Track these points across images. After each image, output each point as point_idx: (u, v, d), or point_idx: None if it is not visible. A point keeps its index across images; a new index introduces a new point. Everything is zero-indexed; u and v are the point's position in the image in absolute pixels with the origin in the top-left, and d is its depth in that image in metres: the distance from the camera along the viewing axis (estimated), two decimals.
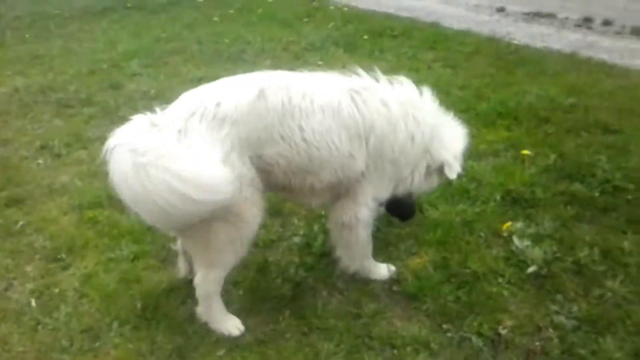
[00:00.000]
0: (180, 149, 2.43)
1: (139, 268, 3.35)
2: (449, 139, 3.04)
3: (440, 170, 3.03)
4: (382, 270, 3.20)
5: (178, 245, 3.19)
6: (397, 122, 2.82)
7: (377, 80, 2.91)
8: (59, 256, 3.48)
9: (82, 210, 3.92)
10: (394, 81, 2.93)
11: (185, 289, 3.12)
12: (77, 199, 4.05)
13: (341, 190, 2.90)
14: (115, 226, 3.71)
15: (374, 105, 2.78)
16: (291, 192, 2.91)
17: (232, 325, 2.88)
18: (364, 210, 2.92)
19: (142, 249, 3.49)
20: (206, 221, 2.54)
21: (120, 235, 3.63)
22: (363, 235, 3.01)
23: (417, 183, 3.02)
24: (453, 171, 3.01)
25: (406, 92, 2.92)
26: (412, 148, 2.89)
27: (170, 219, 2.45)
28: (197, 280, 2.83)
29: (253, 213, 2.68)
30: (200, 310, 2.90)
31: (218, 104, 2.53)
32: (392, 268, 3.22)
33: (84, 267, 3.37)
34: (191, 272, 3.08)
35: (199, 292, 2.85)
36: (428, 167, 3.01)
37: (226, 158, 2.49)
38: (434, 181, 3.10)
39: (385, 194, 2.98)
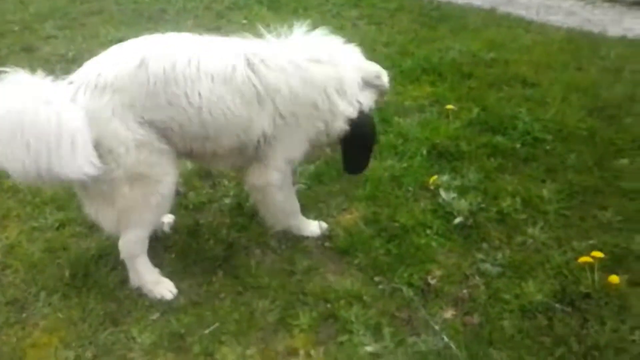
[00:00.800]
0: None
1: (65, 236, 3.25)
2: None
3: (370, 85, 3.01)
4: (313, 228, 3.24)
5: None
6: (305, 81, 2.76)
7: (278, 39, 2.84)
8: None
9: (1, 180, 3.73)
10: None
11: (114, 255, 3.05)
12: None
13: (249, 153, 2.86)
14: (37, 194, 3.57)
15: (278, 66, 2.72)
16: (197, 158, 2.93)
17: (165, 288, 2.87)
18: (274, 174, 2.90)
19: (68, 217, 3.38)
20: (114, 184, 2.61)
21: (43, 204, 3.50)
22: (279, 197, 2.99)
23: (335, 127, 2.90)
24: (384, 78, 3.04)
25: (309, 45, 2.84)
26: (323, 103, 2.82)
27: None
28: (120, 243, 2.82)
29: (158, 172, 2.68)
30: (131, 275, 2.88)
31: (99, 74, 2.56)
32: (324, 225, 3.26)
33: (6, 237, 3.24)
34: None
35: (124, 255, 2.84)
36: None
37: (106, 125, 2.54)
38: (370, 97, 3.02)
39: (297, 154, 2.94)
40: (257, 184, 2.94)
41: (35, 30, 6.41)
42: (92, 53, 5.63)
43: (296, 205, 3.19)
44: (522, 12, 6.88)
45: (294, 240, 3.19)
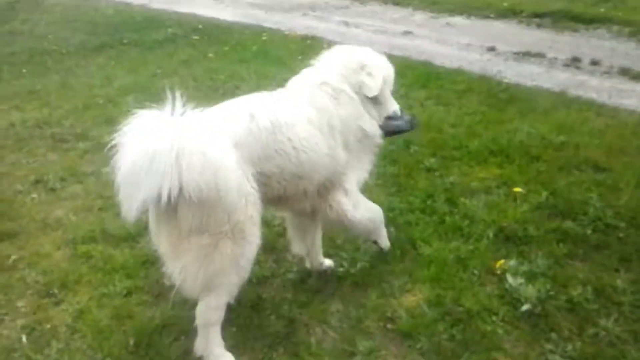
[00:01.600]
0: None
1: (132, 303, 3.34)
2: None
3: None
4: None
5: (288, 223, 3.52)
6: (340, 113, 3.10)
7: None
8: (51, 291, 3.46)
9: (76, 245, 3.91)
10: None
11: (178, 325, 3.12)
12: (71, 233, 4.04)
13: (328, 188, 3.14)
14: (108, 261, 3.71)
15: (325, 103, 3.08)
16: (286, 201, 3.07)
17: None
18: (347, 200, 3.18)
19: (136, 284, 3.48)
20: (219, 238, 2.62)
21: (113, 270, 3.62)
22: (357, 216, 3.23)
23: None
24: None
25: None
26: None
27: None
28: (199, 309, 2.82)
29: (255, 233, 2.76)
30: (197, 342, 2.88)
31: (218, 130, 2.63)
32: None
33: (77, 302, 3.35)
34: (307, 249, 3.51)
35: (199, 322, 2.84)
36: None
37: (232, 173, 2.57)
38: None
39: (365, 173, 3.30)
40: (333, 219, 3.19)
41: (117, 104, 6.80)
42: None
43: (381, 214, 3.43)
44: (593, 95, 6.80)
45: (355, 320, 3.16)
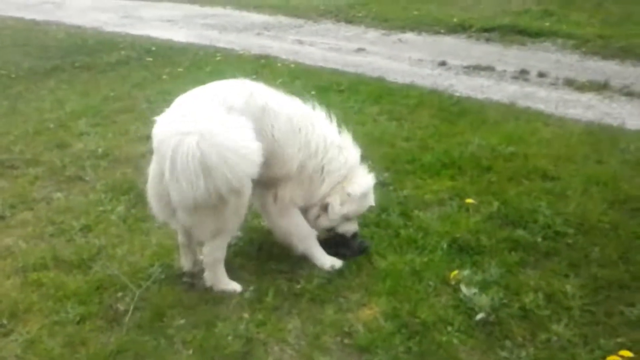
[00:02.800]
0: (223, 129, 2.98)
1: (85, 330, 3.25)
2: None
3: None
4: (325, 260, 3.72)
5: (180, 241, 3.68)
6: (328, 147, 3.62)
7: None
8: None
9: (26, 273, 3.79)
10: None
11: (133, 350, 3.06)
12: (21, 261, 3.92)
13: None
14: (60, 288, 3.61)
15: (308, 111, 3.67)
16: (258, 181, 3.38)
17: (235, 287, 3.50)
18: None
19: (89, 310, 3.39)
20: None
21: (65, 297, 3.52)
22: (278, 222, 3.71)
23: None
24: None
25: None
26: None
27: (220, 187, 2.96)
28: (206, 250, 3.43)
29: (250, 186, 3.26)
30: (206, 275, 3.50)
31: (225, 99, 3.21)
32: (338, 264, 3.70)
33: (27, 332, 3.25)
34: (196, 263, 3.70)
35: (207, 260, 3.46)
36: None
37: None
38: None
39: (299, 200, 3.67)
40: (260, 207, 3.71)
41: (69, 128, 6.68)
42: (120, 149, 5.90)
43: (305, 231, 3.69)
44: (540, 106, 7.02)
45: (313, 336, 3.15)
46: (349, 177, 3.67)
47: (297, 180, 3.58)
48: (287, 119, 3.46)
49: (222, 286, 3.50)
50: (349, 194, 3.63)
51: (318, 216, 3.71)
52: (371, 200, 3.78)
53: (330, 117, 3.76)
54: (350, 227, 3.77)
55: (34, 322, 3.34)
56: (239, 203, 3.26)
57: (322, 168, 3.62)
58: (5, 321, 3.34)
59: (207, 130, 2.91)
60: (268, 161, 3.25)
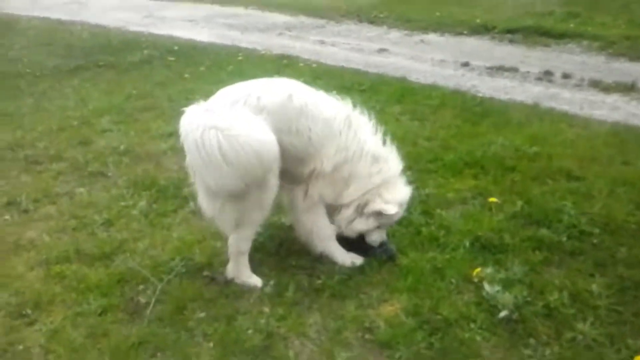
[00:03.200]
0: (240, 123, 3.09)
1: (107, 322, 3.27)
2: None
3: None
4: (345, 257, 3.72)
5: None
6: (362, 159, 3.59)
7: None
8: (24, 312, 3.37)
9: (49, 266, 3.83)
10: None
11: (154, 343, 3.07)
12: (44, 254, 3.97)
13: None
14: (82, 280, 3.64)
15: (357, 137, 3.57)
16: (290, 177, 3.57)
17: (256, 281, 3.54)
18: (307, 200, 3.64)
19: (111, 303, 3.42)
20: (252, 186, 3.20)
21: (88, 290, 3.55)
22: (303, 218, 3.70)
23: None
24: None
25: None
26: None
27: (238, 180, 3.08)
28: (231, 241, 3.51)
29: (275, 182, 3.36)
30: (229, 267, 3.58)
31: (259, 98, 3.30)
32: (359, 260, 3.71)
33: (50, 322, 3.28)
34: None
35: (232, 250, 3.53)
36: None
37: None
38: None
39: (329, 198, 3.64)
40: (288, 201, 3.71)
41: (92, 125, 6.75)
42: (142, 146, 5.94)
43: (326, 232, 3.70)
44: (565, 107, 6.92)
45: (334, 331, 3.13)
46: (386, 186, 3.64)
47: (330, 179, 3.56)
48: (325, 123, 3.47)
49: (243, 279, 3.54)
50: (400, 201, 3.64)
51: (353, 219, 3.66)
52: (402, 212, 3.73)
53: (376, 126, 3.69)
54: (380, 236, 3.73)
55: (57, 312, 3.37)
56: (262, 197, 3.32)
57: (354, 173, 3.59)
58: (29, 311, 3.38)
59: (225, 125, 3.02)
60: (302, 160, 3.48)
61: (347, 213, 3.65)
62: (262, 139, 3.10)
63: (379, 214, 3.59)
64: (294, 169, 3.52)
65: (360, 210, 3.63)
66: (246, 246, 3.52)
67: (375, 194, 3.61)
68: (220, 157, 2.98)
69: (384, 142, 3.69)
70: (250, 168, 3.05)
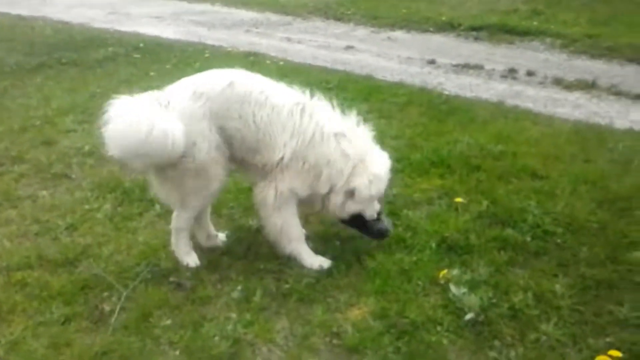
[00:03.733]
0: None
1: (70, 331, 3.21)
2: None
3: None
4: (313, 260, 3.72)
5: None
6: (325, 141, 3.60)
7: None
8: None
9: (10, 272, 3.73)
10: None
11: (118, 352, 3.02)
12: (5, 260, 3.87)
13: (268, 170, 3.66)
14: (45, 288, 3.56)
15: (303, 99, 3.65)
16: (243, 168, 3.79)
17: (191, 260, 3.73)
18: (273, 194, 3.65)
19: (74, 311, 3.35)
20: (179, 172, 3.48)
21: (50, 297, 3.48)
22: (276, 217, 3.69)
23: None
24: None
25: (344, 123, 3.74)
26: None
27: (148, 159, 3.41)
28: (173, 216, 3.72)
29: (217, 171, 3.56)
30: (171, 240, 3.78)
31: (199, 85, 3.48)
32: (326, 263, 3.70)
33: (10, 333, 3.19)
34: (209, 237, 3.99)
35: (173, 225, 3.74)
36: None
37: (197, 123, 3.44)
38: None
39: (300, 191, 3.65)
40: (258, 199, 3.68)
41: (55, 125, 6.60)
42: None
43: (296, 233, 3.71)
44: (529, 105, 7.03)
45: (301, 337, 3.13)
46: (365, 160, 3.64)
47: (296, 170, 3.57)
48: (272, 109, 3.51)
49: (181, 255, 3.75)
50: (374, 175, 3.62)
51: (344, 202, 3.64)
52: (385, 181, 3.75)
53: (334, 105, 3.76)
54: (374, 210, 3.72)
55: (17, 322, 3.29)
56: (199, 184, 3.54)
57: (322, 157, 3.57)
58: None
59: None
60: (257, 149, 3.57)
61: (337, 199, 3.63)
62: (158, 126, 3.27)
63: (352, 192, 3.60)
64: (250, 158, 3.62)
65: (349, 193, 3.62)
66: (185, 225, 3.71)
67: (356, 173, 3.60)
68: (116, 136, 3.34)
69: (348, 119, 3.75)
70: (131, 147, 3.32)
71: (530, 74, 8.41)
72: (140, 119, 3.27)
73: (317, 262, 3.70)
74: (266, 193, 3.63)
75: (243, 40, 11.12)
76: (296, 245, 3.73)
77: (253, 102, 3.50)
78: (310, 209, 3.87)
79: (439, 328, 3.13)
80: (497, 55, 9.67)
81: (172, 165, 3.45)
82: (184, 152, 3.39)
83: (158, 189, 3.68)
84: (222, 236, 4.05)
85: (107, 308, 3.37)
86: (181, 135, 3.31)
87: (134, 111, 3.35)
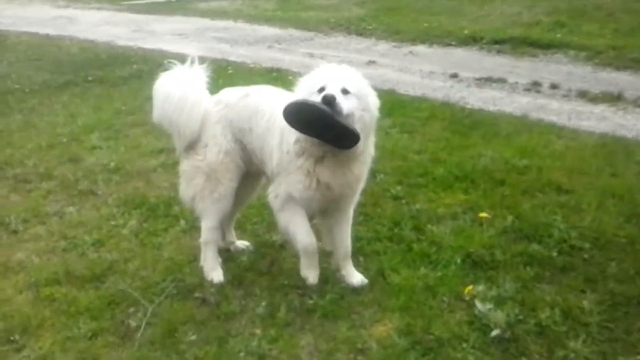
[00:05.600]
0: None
1: (97, 346, 3.25)
2: None
3: None
4: (307, 273, 3.68)
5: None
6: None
7: None
8: (12, 337, 3.34)
9: (39, 288, 3.80)
10: None
11: None
12: (34, 276, 3.93)
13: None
14: (73, 303, 3.61)
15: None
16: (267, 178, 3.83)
17: (216, 276, 3.77)
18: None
19: (101, 326, 3.39)
20: (192, 167, 3.73)
21: (78, 313, 3.52)
22: (281, 217, 3.64)
23: None
24: None
25: None
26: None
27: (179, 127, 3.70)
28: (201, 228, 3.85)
29: (225, 176, 3.69)
30: (201, 256, 3.84)
31: (223, 93, 3.81)
32: (313, 280, 3.66)
33: (39, 348, 3.24)
34: (226, 242, 4.14)
35: (201, 239, 3.84)
36: None
37: (212, 126, 3.69)
38: None
39: (291, 189, 3.54)
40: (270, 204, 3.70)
41: (81, 142, 6.72)
42: (133, 163, 5.91)
43: (299, 235, 3.59)
44: (553, 118, 6.97)
45: (326, 353, 3.12)
46: None
47: (286, 171, 3.49)
48: (270, 115, 3.57)
49: (206, 269, 3.81)
50: None
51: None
52: None
53: None
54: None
55: (46, 337, 3.34)
56: (206, 185, 3.69)
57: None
58: (17, 337, 3.35)
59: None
60: (261, 158, 3.67)
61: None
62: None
63: None
64: (263, 168, 3.74)
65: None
66: (209, 237, 3.79)
67: None
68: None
69: None
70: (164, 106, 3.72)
71: (554, 86, 8.34)
72: (171, 80, 3.71)
73: (311, 277, 3.66)
74: (271, 197, 3.63)
75: (265, 56, 11.21)
76: (300, 247, 3.65)
77: (260, 113, 3.61)
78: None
79: (464, 345, 3.10)
80: (520, 68, 9.61)
81: (186, 157, 3.76)
82: (197, 149, 3.70)
83: (181, 188, 3.87)
84: (243, 243, 4.20)
85: (133, 323, 3.40)
86: (197, 106, 3.64)
87: (170, 76, 3.77)
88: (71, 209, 4.96)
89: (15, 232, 4.62)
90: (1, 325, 3.46)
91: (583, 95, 7.90)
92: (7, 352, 3.25)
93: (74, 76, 10.13)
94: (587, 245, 3.95)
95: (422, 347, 3.09)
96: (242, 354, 3.12)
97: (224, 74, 9.72)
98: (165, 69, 3.84)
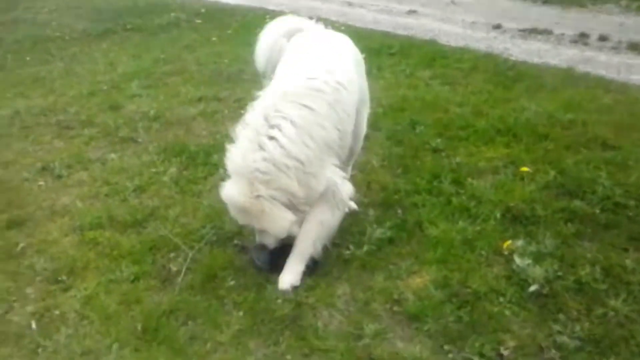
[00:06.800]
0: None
1: (139, 289, 3.34)
2: None
3: None
4: (284, 277, 3.31)
5: None
6: None
7: None
8: (59, 278, 3.47)
9: (83, 232, 3.91)
10: None
11: (185, 311, 3.13)
12: (78, 220, 4.04)
13: None
14: (115, 247, 3.71)
15: None
16: None
17: None
18: None
19: (143, 270, 3.48)
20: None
21: (120, 257, 3.62)
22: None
23: None
24: None
25: None
26: None
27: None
28: None
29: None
30: None
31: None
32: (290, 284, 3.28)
33: (85, 288, 3.36)
34: None
35: None
36: None
37: None
38: None
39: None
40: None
41: (121, 89, 6.79)
42: (172, 111, 5.95)
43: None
44: (601, 72, 6.71)
45: (362, 302, 3.15)
46: None
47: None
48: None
49: None
50: None
51: None
52: None
53: None
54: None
55: (90, 279, 3.45)
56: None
57: None
58: (64, 277, 3.48)
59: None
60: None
61: None
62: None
63: None
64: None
65: None
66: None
67: None
68: None
69: None
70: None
71: (602, 38, 8.01)
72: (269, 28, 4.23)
73: (287, 282, 3.28)
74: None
75: (303, 5, 11.02)
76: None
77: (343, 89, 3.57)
78: None
79: (501, 299, 3.09)
80: (567, 19, 9.26)
81: None
82: None
83: None
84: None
85: (174, 268, 3.48)
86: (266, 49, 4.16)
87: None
88: (113, 155, 5.05)
89: (59, 177, 4.73)
90: (50, 266, 3.58)
91: (634, 47, 7.57)
92: (55, 292, 3.37)
93: (113, 24, 10.18)
94: (632, 202, 3.84)
95: (459, 300, 3.09)
96: (279, 301, 3.16)
97: (262, 23, 9.57)
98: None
